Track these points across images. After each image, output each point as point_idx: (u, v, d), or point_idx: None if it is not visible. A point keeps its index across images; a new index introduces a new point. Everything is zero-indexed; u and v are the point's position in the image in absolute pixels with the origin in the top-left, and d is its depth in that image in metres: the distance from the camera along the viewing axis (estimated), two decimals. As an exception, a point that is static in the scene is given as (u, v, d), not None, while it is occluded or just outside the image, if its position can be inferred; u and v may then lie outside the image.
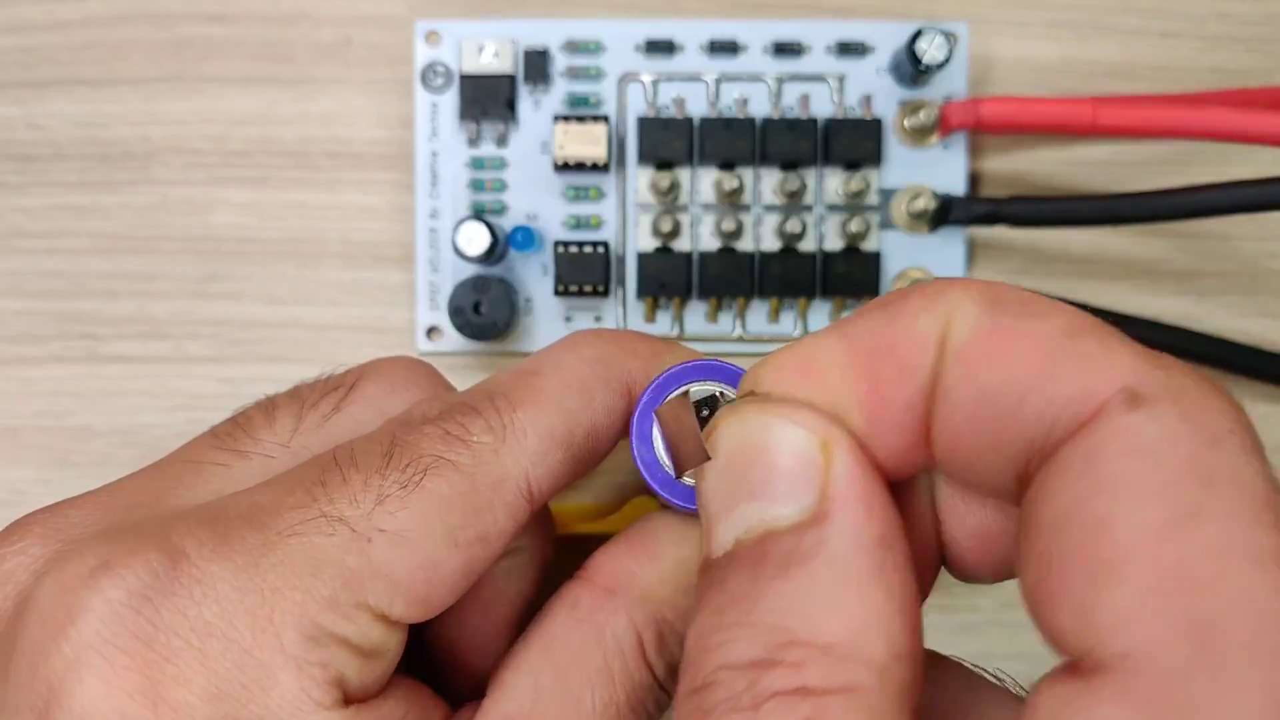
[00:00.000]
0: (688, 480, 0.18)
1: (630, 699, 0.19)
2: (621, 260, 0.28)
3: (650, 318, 0.28)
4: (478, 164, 0.28)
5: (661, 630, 0.20)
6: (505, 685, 0.19)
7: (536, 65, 0.27)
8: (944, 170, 0.28)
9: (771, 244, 0.28)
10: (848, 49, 0.28)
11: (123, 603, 0.16)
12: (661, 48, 0.28)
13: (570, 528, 0.26)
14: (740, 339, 0.28)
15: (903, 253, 0.28)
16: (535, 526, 0.21)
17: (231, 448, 0.20)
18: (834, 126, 0.27)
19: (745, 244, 0.27)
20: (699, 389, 0.18)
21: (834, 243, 0.28)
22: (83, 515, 0.18)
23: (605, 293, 0.27)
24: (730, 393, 0.18)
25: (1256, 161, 0.28)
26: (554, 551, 0.22)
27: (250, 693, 0.16)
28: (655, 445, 0.18)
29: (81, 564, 0.16)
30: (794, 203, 0.27)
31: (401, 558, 0.17)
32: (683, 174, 0.28)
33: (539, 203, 0.28)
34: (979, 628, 0.28)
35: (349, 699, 0.17)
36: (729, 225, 0.27)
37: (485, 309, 0.27)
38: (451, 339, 0.27)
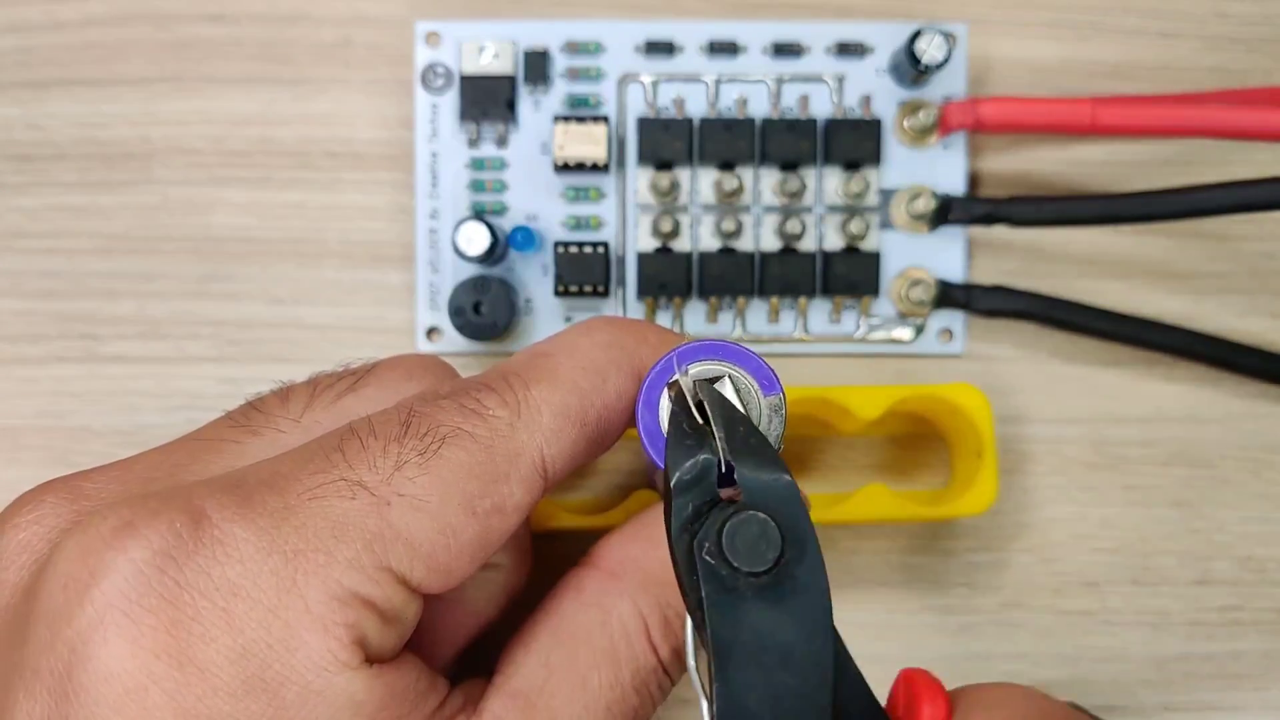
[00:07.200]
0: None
1: (635, 680, 0.19)
2: (621, 260, 0.28)
3: (650, 318, 0.28)
4: (478, 164, 0.28)
5: (666, 614, 0.20)
6: (516, 663, 0.19)
7: (536, 66, 0.27)
8: (943, 170, 0.28)
9: (771, 244, 0.28)
10: (847, 49, 0.28)
11: (147, 562, 0.16)
12: (661, 48, 0.28)
13: (570, 523, 0.26)
14: (740, 339, 0.28)
15: (902, 253, 0.28)
16: (517, 552, 0.21)
17: (244, 425, 0.20)
18: (833, 127, 0.27)
19: (745, 244, 0.28)
20: (709, 368, 0.18)
21: (834, 243, 0.28)
22: (98, 486, 0.18)
23: (605, 293, 0.27)
24: (738, 374, 0.18)
25: (1256, 161, 0.28)
26: (524, 588, 0.22)
27: (276, 652, 0.16)
28: (660, 416, 0.18)
29: (104, 525, 0.16)
30: (794, 203, 0.27)
31: (421, 522, 0.17)
32: (682, 174, 0.28)
33: (539, 203, 0.28)
34: (979, 628, 0.28)
35: (369, 660, 0.17)
36: (729, 225, 0.27)
37: (485, 309, 0.27)
38: (451, 339, 0.27)
